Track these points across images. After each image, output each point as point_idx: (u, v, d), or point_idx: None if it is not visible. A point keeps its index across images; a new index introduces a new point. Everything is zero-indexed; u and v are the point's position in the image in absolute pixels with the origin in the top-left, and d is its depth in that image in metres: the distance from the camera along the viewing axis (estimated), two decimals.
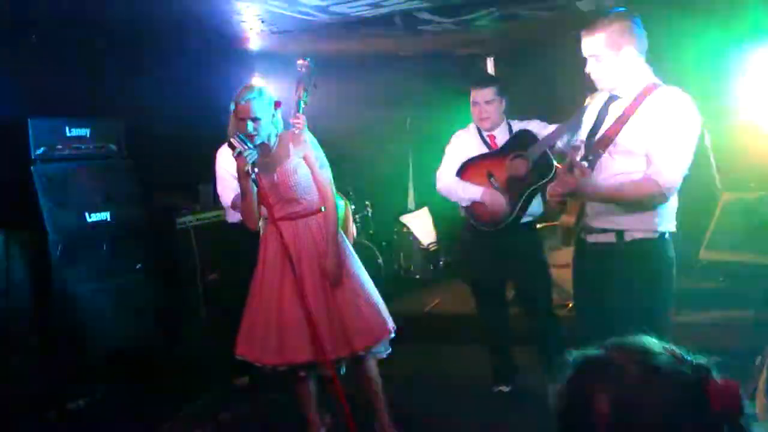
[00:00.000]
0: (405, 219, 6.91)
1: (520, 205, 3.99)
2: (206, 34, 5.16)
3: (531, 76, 6.83)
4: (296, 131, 3.61)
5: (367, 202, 6.87)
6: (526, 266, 4.25)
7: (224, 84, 5.99)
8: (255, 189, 3.48)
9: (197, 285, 5.27)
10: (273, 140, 3.61)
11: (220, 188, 4.65)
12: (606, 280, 2.99)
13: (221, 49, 5.66)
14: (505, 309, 4.50)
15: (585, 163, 2.84)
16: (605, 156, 2.91)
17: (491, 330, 4.46)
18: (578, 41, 2.98)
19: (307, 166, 3.61)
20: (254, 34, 5.36)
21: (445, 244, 6.97)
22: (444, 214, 6.86)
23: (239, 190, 4.37)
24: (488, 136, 4.19)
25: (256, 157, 3.43)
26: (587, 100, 5.54)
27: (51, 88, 4.66)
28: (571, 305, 5.37)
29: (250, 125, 3.46)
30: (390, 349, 3.80)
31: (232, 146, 3.40)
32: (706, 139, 5.09)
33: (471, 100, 4.20)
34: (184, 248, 5.24)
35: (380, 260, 6.38)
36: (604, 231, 2.96)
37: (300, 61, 3.87)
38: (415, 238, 6.76)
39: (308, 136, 3.63)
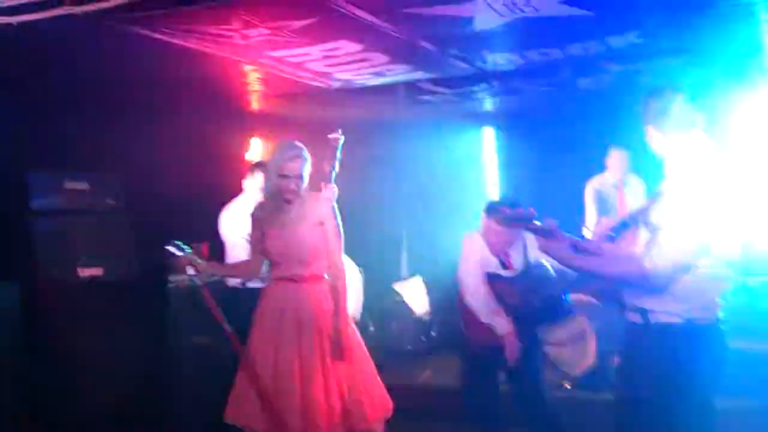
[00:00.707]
0: (398, 287, 6.85)
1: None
2: (209, 93, 5.21)
3: (527, 146, 6.92)
4: (326, 197, 3.58)
5: (359, 269, 6.82)
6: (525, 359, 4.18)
7: (224, 142, 6.06)
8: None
9: (186, 347, 5.16)
10: (300, 197, 3.56)
11: (236, 255, 4.64)
12: (634, 362, 2.91)
13: (222, 108, 5.71)
14: (497, 387, 4.42)
15: (612, 234, 2.85)
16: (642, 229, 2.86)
17: (482, 409, 4.35)
18: (576, 114, 2.98)
19: (324, 232, 3.56)
20: (256, 96, 5.42)
21: (437, 315, 6.88)
22: (437, 284, 6.84)
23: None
24: (503, 254, 4.11)
25: (192, 261, 3.65)
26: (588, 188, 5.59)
27: (51, 142, 4.67)
28: (568, 386, 5.30)
29: (294, 183, 3.46)
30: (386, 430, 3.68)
31: (170, 253, 3.68)
32: None
33: (489, 223, 3.98)
34: (178, 308, 5.15)
35: (372, 328, 6.29)
36: (633, 309, 2.90)
37: (333, 135, 3.89)
38: (408, 308, 6.68)
39: (332, 203, 3.59)
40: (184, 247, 3.68)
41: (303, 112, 5.70)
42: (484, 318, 3.95)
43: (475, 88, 5.20)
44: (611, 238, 2.87)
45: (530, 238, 4.03)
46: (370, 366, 3.65)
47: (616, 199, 6.01)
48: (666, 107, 2.80)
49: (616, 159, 5.86)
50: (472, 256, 4.05)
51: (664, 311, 2.75)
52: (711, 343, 2.77)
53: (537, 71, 4.65)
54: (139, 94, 4.98)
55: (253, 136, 6.35)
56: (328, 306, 3.57)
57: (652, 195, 2.91)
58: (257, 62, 4.21)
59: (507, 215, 2.83)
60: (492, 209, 3.94)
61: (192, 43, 3.73)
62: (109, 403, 4.53)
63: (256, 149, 6.44)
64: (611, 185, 6.02)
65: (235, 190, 4.92)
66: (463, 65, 4.38)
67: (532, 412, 4.19)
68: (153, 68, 4.32)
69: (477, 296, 3.99)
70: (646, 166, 4.03)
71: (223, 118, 5.86)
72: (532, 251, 4.04)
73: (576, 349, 5.35)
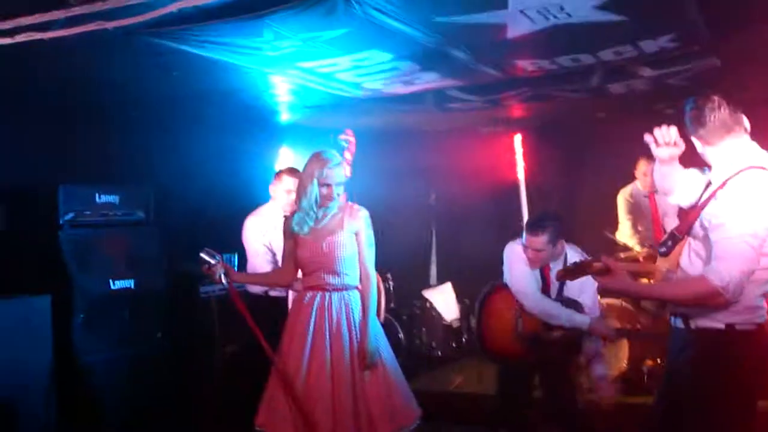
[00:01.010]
0: (427, 294, 6.80)
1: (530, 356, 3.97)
2: (238, 105, 5.22)
3: (557, 152, 6.86)
4: (356, 207, 3.64)
5: (388, 275, 6.79)
6: (558, 372, 4.14)
7: (253, 154, 6.08)
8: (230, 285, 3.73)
9: (216, 356, 5.18)
10: (332, 210, 3.61)
11: (257, 263, 4.63)
12: (675, 366, 2.87)
13: (251, 119, 5.72)
14: (530, 396, 4.38)
15: (663, 248, 2.80)
16: (689, 243, 2.82)
17: (515, 417, 4.31)
18: (606, 120, 2.94)
19: (357, 243, 3.60)
20: (285, 107, 5.42)
21: (467, 321, 6.83)
22: (467, 290, 6.79)
23: (274, 262, 4.37)
24: (544, 268, 4.08)
25: (223, 269, 3.67)
26: (620, 197, 5.53)
27: (82, 155, 4.71)
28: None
29: (336, 190, 3.52)
30: None
31: (203, 260, 3.67)
32: None
33: (523, 241, 3.98)
34: (205, 318, 5.17)
35: (401, 335, 6.26)
36: (675, 315, 2.86)
37: (343, 135, 3.92)
38: (438, 314, 6.64)
39: (365, 214, 3.64)
40: (216, 254, 3.68)
41: (332, 122, 5.69)
42: (560, 322, 3.90)
43: (505, 95, 5.14)
44: (663, 253, 2.83)
45: (572, 259, 4.01)
46: (398, 374, 3.67)
47: (648, 208, 5.94)
48: (703, 114, 2.77)
49: (645, 168, 5.80)
50: (520, 265, 4.01)
51: (706, 316, 2.72)
52: (753, 347, 2.73)
53: (568, 77, 4.58)
54: (169, 108, 5.01)
55: (282, 146, 6.36)
56: (359, 315, 3.62)
57: (695, 204, 2.87)
58: (287, 73, 4.20)
59: (568, 270, 2.86)
60: (534, 226, 3.90)
61: (222, 56, 3.72)
62: (139, 412, 4.57)
63: (285, 160, 6.45)
64: (643, 195, 5.95)
65: (264, 201, 4.92)
66: (493, 72, 4.33)
67: (565, 421, 4.15)
68: (183, 81, 4.32)
69: (542, 303, 3.95)
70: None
71: (253, 129, 5.87)
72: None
73: (609, 353, 5.29)
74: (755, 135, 2.85)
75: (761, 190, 2.62)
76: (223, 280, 3.63)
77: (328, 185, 3.51)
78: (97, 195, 4.64)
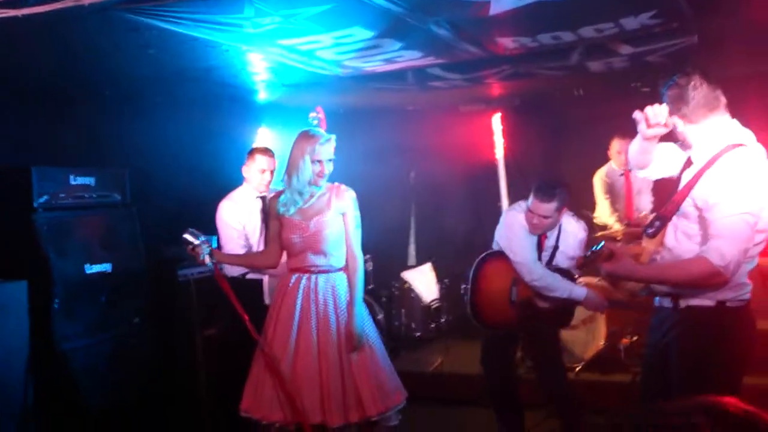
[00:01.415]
0: (407, 275, 6.80)
1: (523, 324, 4.00)
2: (215, 84, 5.12)
3: (535, 131, 6.86)
4: (343, 187, 3.64)
5: (367, 256, 6.76)
6: (537, 339, 4.18)
7: (230, 134, 5.99)
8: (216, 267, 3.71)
9: (195, 340, 5.11)
10: (320, 188, 3.59)
11: (229, 247, 4.58)
12: (664, 344, 2.90)
13: (229, 98, 5.63)
14: (513, 370, 4.42)
15: (650, 230, 2.81)
16: (676, 223, 2.83)
17: (498, 392, 4.34)
18: (584, 98, 2.93)
19: (344, 224, 3.59)
20: (263, 86, 5.34)
21: (447, 302, 6.84)
22: (446, 271, 6.80)
23: (247, 246, 4.34)
24: (541, 235, 4.09)
25: (209, 249, 3.62)
26: (597, 177, 5.56)
27: (56, 136, 4.60)
28: (578, 369, 5.29)
29: (327, 167, 3.52)
30: (400, 418, 3.69)
31: (186, 241, 3.65)
32: None
33: (529, 205, 3.97)
34: (184, 302, 5.10)
35: (380, 316, 6.25)
36: (664, 294, 2.87)
37: (312, 113, 3.89)
38: (417, 295, 6.64)
39: (352, 194, 3.63)
40: (200, 234, 3.61)
41: (310, 101, 5.63)
42: (558, 294, 3.91)
43: (485, 73, 5.12)
44: (650, 234, 2.84)
45: (567, 233, 4.05)
46: (384, 356, 3.69)
47: (623, 187, 6.00)
48: (685, 92, 2.76)
49: (618, 147, 5.85)
50: (522, 235, 4.01)
51: (696, 294, 2.74)
52: (741, 323, 2.78)
53: (548, 55, 4.56)
54: (145, 86, 4.90)
55: (261, 126, 6.28)
56: (345, 297, 3.61)
57: (678, 182, 2.88)
58: (267, 51, 4.12)
59: (587, 260, 2.88)
60: (544, 192, 3.89)
61: (201, 33, 3.64)
62: (117, 398, 4.50)
63: (263, 139, 6.37)
64: (618, 174, 6.01)
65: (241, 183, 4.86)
66: (475, 50, 4.30)
67: (551, 393, 4.20)
68: (159, 60, 4.23)
69: (544, 276, 3.96)
70: None
71: (230, 109, 5.79)
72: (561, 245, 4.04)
73: (588, 330, 5.37)
74: (736, 111, 2.86)
75: (750, 167, 2.65)
76: (208, 261, 3.56)
77: (320, 161, 3.49)
78: (71, 176, 4.51)
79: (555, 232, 4.03)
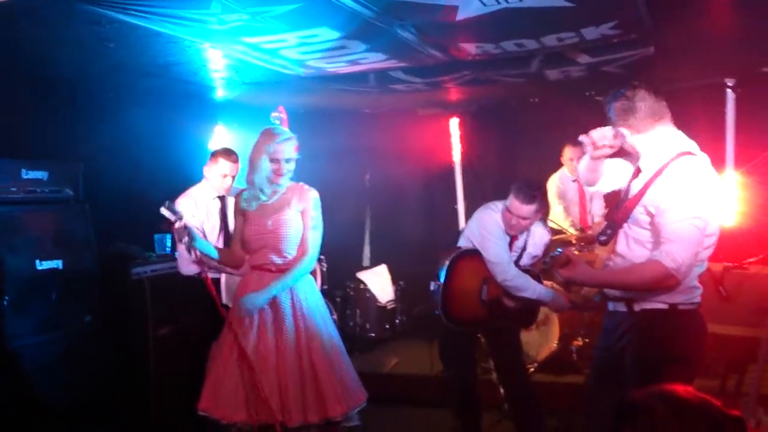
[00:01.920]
0: (362, 275, 6.80)
1: (491, 322, 4.04)
2: (174, 79, 5.04)
3: (492, 136, 6.95)
4: (306, 187, 3.63)
5: (321, 257, 6.74)
6: (501, 335, 4.23)
7: (187, 131, 5.90)
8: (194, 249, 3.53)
9: (148, 339, 5.02)
10: (282, 187, 3.58)
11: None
12: (623, 347, 2.96)
13: (187, 95, 5.54)
14: (474, 370, 4.47)
15: (603, 237, 2.87)
16: (626, 230, 2.90)
17: (459, 392, 4.38)
18: (539, 105, 3.00)
19: (302, 222, 3.56)
20: (222, 83, 5.27)
21: (402, 303, 6.86)
22: (401, 272, 6.82)
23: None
24: (512, 236, 4.13)
25: (187, 226, 3.51)
26: (550, 183, 5.65)
27: (7, 128, 4.46)
28: (532, 370, 5.37)
29: (285, 166, 3.49)
30: (359, 421, 3.68)
31: (164, 217, 3.51)
32: None
33: (508, 204, 4.00)
34: (137, 300, 5.00)
35: (334, 316, 6.24)
36: (618, 299, 2.94)
37: (274, 113, 3.87)
38: (372, 296, 6.64)
39: (314, 195, 3.62)
40: (177, 210, 3.53)
41: (270, 100, 5.59)
42: (527, 294, 3.96)
43: (446, 78, 5.16)
44: (603, 241, 2.92)
45: (535, 235, 4.12)
46: (345, 356, 3.68)
47: (576, 193, 6.13)
48: (633, 104, 2.86)
49: (570, 154, 5.99)
50: (498, 235, 4.04)
51: (649, 298, 2.82)
52: (692, 325, 2.88)
53: (510, 62, 4.62)
54: (102, 80, 4.80)
55: (218, 124, 6.19)
56: (304, 296, 3.61)
57: (627, 191, 2.96)
58: (230, 48, 4.08)
59: (546, 265, 2.93)
60: (527, 194, 3.93)
61: (165, 28, 3.58)
62: (70, 397, 4.40)
63: (220, 138, 6.29)
64: (570, 180, 6.13)
65: (199, 179, 4.80)
66: (439, 55, 4.33)
67: (515, 395, 4.25)
68: (118, 53, 4.14)
69: (517, 276, 4.00)
70: None
71: (188, 105, 5.70)
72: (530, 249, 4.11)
73: (542, 333, 5.45)
74: (682, 121, 2.97)
75: (699, 174, 2.75)
76: (184, 241, 3.45)
77: (278, 160, 3.47)
78: (23, 170, 4.40)
79: (524, 234, 4.10)
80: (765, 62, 5.26)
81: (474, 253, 4.06)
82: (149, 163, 5.39)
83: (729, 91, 5.81)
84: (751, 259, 4.18)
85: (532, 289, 3.97)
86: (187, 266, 4.71)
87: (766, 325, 3.67)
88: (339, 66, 4.51)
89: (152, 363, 4.96)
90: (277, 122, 4.15)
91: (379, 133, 6.96)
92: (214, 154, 4.73)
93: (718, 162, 5.73)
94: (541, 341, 5.49)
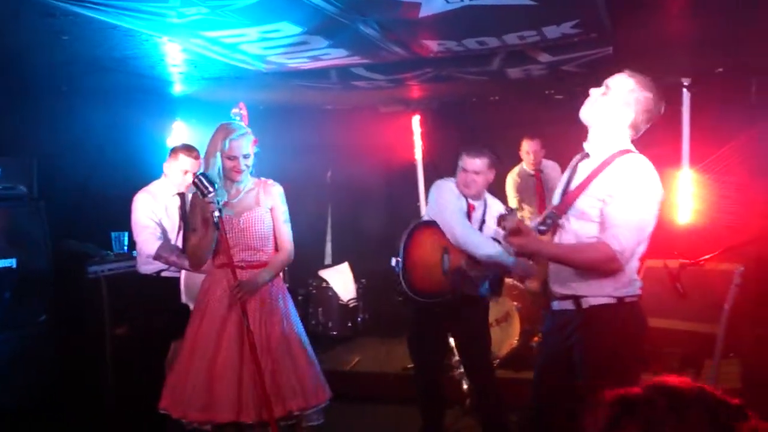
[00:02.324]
0: (324, 273, 6.76)
1: (457, 294, 4.03)
2: (130, 74, 4.93)
3: (453, 134, 6.96)
4: (270, 182, 3.61)
5: None
6: (471, 328, 4.24)
7: (144, 126, 5.79)
8: (215, 233, 3.38)
9: (105, 339, 4.93)
10: (244, 184, 3.53)
11: (143, 237, 4.43)
12: (570, 345, 2.98)
13: (144, 90, 5.44)
14: (442, 365, 4.49)
15: (543, 227, 2.90)
16: (567, 221, 2.93)
17: (425, 387, 4.38)
18: (500, 103, 3.06)
19: (272, 218, 3.55)
20: (181, 78, 5.18)
21: (364, 301, 6.84)
22: (363, 270, 6.80)
23: (163, 239, 4.20)
24: (469, 205, 4.16)
25: (222, 199, 3.39)
26: (509, 178, 5.68)
27: None
28: (494, 365, 5.41)
29: (242, 162, 3.43)
30: (323, 419, 3.66)
31: (198, 187, 3.31)
32: None
33: (460, 164, 4.13)
34: (94, 300, 4.90)
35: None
36: (565, 297, 2.97)
37: (235, 109, 3.83)
38: (334, 294, 6.61)
39: (279, 189, 3.61)
40: (209, 185, 3.34)
41: (230, 96, 5.52)
42: (486, 251, 3.97)
43: (408, 75, 5.15)
44: (542, 231, 2.96)
45: (492, 208, 4.15)
46: (311, 353, 3.66)
47: (534, 186, 6.19)
48: (590, 103, 2.95)
49: (527, 149, 6.06)
50: (451, 197, 4.10)
51: (597, 294, 2.88)
52: (636, 317, 2.95)
53: (471, 60, 4.63)
54: (54, 73, 4.68)
55: (176, 120, 6.09)
56: (274, 292, 3.57)
57: (571, 186, 3.01)
58: (189, 42, 4.00)
59: (500, 219, 2.90)
60: (474, 149, 4.10)
61: (122, 21, 3.49)
62: (23, 398, 4.31)
63: (178, 134, 6.19)
64: (529, 174, 6.20)
65: (156, 177, 4.71)
66: (401, 51, 4.31)
67: (482, 391, 4.27)
68: (72, 46, 4.04)
69: (471, 233, 4.03)
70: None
71: (145, 100, 5.60)
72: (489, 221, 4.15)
73: (503, 329, 5.49)
74: None
75: (645, 169, 2.84)
76: (216, 214, 3.32)
77: (235, 157, 3.43)
78: None
79: (482, 206, 4.14)
80: (720, 63, 5.37)
81: (432, 225, 4.10)
82: (106, 160, 5.28)
83: (685, 90, 5.93)
84: (707, 256, 4.25)
85: (490, 246, 3.99)
86: (144, 264, 4.64)
87: (722, 321, 3.73)
88: (301, 62, 4.46)
89: (109, 363, 4.87)
90: (237, 119, 4.09)
91: (340, 130, 6.93)
92: (174, 150, 4.66)
93: (674, 160, 5.99)
94: (503, 337, 5.52)
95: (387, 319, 6.29)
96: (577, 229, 2.91)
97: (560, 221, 2.96)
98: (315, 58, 4.36)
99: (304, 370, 3.54)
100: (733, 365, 4.78)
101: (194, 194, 3.60)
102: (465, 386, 4.96)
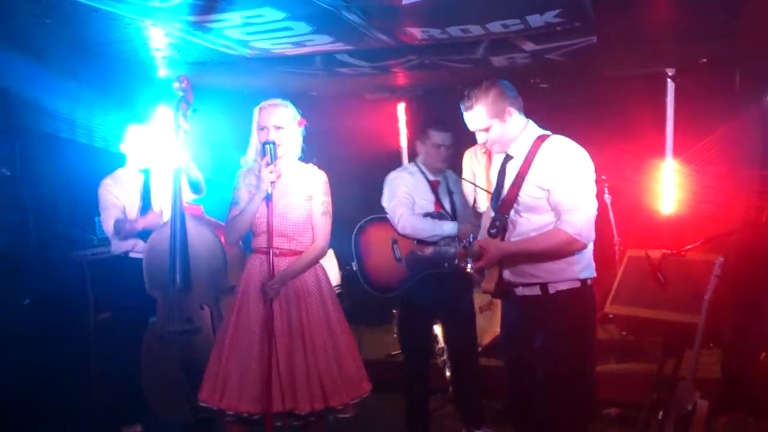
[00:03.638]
0: None
1: (413, 281, 4.08)
2: (114, 58, 4.91)
3: (438, 121, 6.94)
4: (314, 169, 3.56)
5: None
6: (459, 310, 4.28)
7: (128, 111, 5.76)
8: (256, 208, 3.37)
9: (88, 324, 4.93)
10: (289, 165, 3.48)
11: (102, 218, 4.48)
12: (534, 330, 3.04)
13: (128, 74, 5.40)
14: (430, 353, 4.53)
15: (493, 230, 2.96)
16: (517, 217, 2.99)
17: (413, 374, 4.41)
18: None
19: (312, 207, 3.47)
20: (164, 62, 5.16)
21: (348, 289, 6.84)
22: (349, 257, 6.79)
23: (127, 218, 4.21)
24: (432, 181, 4.20)
25: (278, 174, 3.35)
26: (466, 155, 5.75)
27: None
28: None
29: (273, 133, 3.38)
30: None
31: (267, 152, 3.33)
32: (607, 197, 5.35)
33: (431, 141, 4.19)
34: (78, 283, 4.90)
35: None
36: (529, 284, 3.02)
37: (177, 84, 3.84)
38: None
39: (323, 178, 3.54)
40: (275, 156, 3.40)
41: (214, 81, 5.50)
42: (431, 234, 4.10)
43: (393, 62, 5.15)
44: (493, 234, 3.13)
45: (449, 179, 4.32)
46: (351, 347, 3.57)
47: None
48: (496, 98, 3.14)
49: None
50: (401, 187, 4.23)
51: (562, 278, 3.00)
52: (593, 296, 3.13)
53: (456, 47, 4.63)
54: (39, 57, 4.65)
55: (160, 104, 6.05)
56: (311, 281, 3.48)
57: (505, 185, 3.10)
58: (172, 26, 3.99)
59: (464, 253, 3.01)
60: (440, 122, 4.32)
61: (104, 4, 3.48)
62: (5, 383, 4.29)
63: (162, 118, 6.15)
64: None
65: None
66: (385, 38, 4.31)
67: (466, 377, 4.31)
68: (56, 31, 4.02)
69: (411, 220, 4.14)
70: None
71: (129, 84, 5.57)
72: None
73: (486, 317, 5.52)
74: (624, 110, 3.11)
75: (572, 148, 2.98)
76: (272, 179, 3.39)
77: (263, 127, 3.40)
78: None
79: (443, 180, 4.33)
80: (704, 53, 5.40)
81: (373, 221, 4.15)
82: (89, 144, 5.26)
83: (669, 80, 5.95)
84: (689, 246, 4.29)
85: (431, 227, 4.05)
86: (115, 248, 4.63)
87: (702, 311, 3.79)
88: (284, 47, 4.45)
89: (93, 347, 4.87)
90: (181, 93, 4.04)
91: (326, 117, 6.86)
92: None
93: (658, 150, 6.01)
94: (486, 326, 5.54)
95: (371, 306, 6.29)
96: (532, 221, 3.01)
97: (510, 219, 3.00)
98: (299, 44, 4.35)
99: (352, 362, 3.50)
100: (712, 355, 4.85)
101: (241, 171, 3.57)
102: (448, 374, 4.99)
